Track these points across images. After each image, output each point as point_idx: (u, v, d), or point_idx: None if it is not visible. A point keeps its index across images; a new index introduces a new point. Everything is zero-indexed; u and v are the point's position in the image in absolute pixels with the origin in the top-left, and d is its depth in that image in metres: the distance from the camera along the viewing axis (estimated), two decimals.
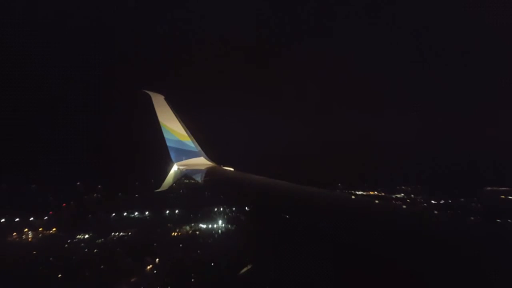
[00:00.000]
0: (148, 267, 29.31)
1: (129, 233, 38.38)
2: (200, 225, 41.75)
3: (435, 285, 2.30)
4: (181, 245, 34.76)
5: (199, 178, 11.50)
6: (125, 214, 44.13)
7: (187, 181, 12.79)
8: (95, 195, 48.77)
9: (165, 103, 12.71)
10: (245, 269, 31.90)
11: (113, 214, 43.35)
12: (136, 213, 44.58)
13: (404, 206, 4.98)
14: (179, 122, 12.84)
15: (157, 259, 30.50)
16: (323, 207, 5.37)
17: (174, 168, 12.91)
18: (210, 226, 41.47)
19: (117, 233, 38.15)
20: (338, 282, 3.07)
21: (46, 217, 40.68)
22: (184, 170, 12.63)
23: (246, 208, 7.13)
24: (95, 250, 33.17)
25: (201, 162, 12.84)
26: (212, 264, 33.30)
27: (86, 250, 33.57)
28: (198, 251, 32.87)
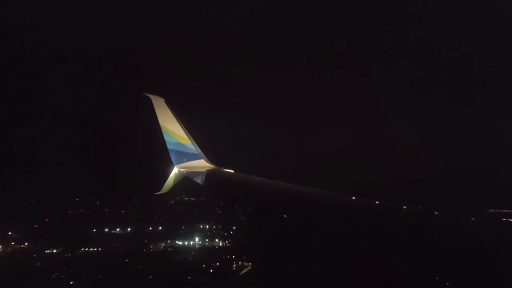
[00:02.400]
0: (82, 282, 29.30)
1: (99, 249, 38.24)
2: (177, 242, 41.88)
3: (436, 285, 2.31)
4: (127, 260, 34.51)
5: (199, 181, 11.52)
6: (106, 230, 44.03)
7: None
8: (80, 210, 48.43)
9: (165, 106, 12.76)
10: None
11: (94, 230, 43.23)
12: (118, 229, 44.45)
13: (404, 207, 4.99)
14: (180, 124, 12.87)
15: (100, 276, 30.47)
16: (324, 208, 5.39)
17: (175, 170, 12.92)
18: (186, 243, 41.62)
19: (86, 249, 38.09)
20: (338, 282, 3.09)
21: (28, 230, 40.55)
22: (185, 172, 12.64)
23: (247, 209, 7.15)
24: (52, 264, 33.12)
25: (202, 164, 12.86)
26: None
27: (40, 264, 33.44)
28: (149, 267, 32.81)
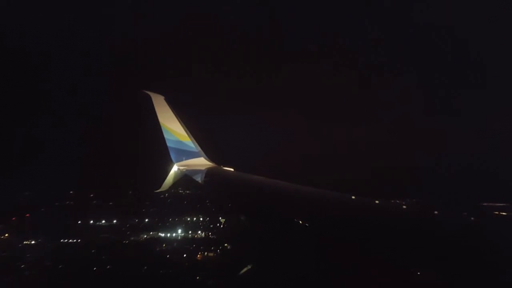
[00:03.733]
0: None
1: (78, 240, 38.78)
2: (160, 234, 42.61)
3: (436, 284, 2.30)
4: (99, 251, 34.60)
5: (199, 179, 11.53)
6: (91, 222, 44.63)
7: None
8: (67, 202, 48.83)
9: (165, 103, 12.74)
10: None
11: (79, 222, 43.72)
12: (104, 221, 45.06)
13: (404, 207, 4.98)
14: (179, 122, 12.86)
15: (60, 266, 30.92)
16: (323, 207, 5.38)
17: (174, 168, 12.92)
18: (169, 235, 42.37)
19: (66, 240, 38.50)
20: (338, 281, 3.08)
21: (10, 222, 41.01)
22: (184, 170, 12.65)
23: (246, 208, 7.14)
24: (28, 255, 33.60)
25: (201, 162, 12.85)
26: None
27: (11, 255, 33.96)
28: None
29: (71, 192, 50.31)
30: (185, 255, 34.95)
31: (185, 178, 12.60)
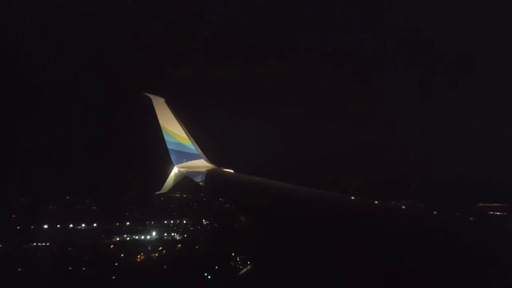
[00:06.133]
0: None
1: (47, 244, 38.33)
2: (134, 236, 42.43)
3: (436, 285, 2.32)
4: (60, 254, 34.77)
5: (199, 180, 11.55)
6: (71, 225, 44.43)
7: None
8: (50, 207, 48.51)
9: (165, 105, 12.78)
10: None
11: (58, 226, 43.55)
12: (83, 225, 44.93)
13: (403, 207, 5.00)
14: (180, 124, 12.89)
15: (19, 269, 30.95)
16: (323, 207, 5.40)
17: (175, 170, 12.95)
18: (143, 237, 42.21)
19: (34, 244, 38.20)
20: (338, 282, 3.10)
21: None
22: (185, 172, 12.67)
23: (247, 209, 7.16)
24: None
25: (202, 164, 12.88)
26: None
27: None
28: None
29: (67, 197, 50.06)
30: (136, 256, 35.75)
31: (185, 180, 12.64)
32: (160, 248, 38.03)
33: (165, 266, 33.66)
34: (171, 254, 36.12)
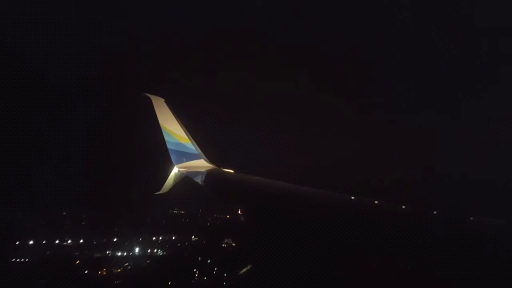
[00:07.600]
0: None
1: (26, 260, 38.49)
2: (117, 252, 42.24)
3: (436, 284, 2.32)
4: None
5: (199, 180, 11.55)
6: (57, 241, 44.29)
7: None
8: (42, 223, 48.16)
9: (165, 105, 12.79)
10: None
11: (44, 241, 43.48)
12: (70, 241, 44.81)
13: (403, 207, 5.00)
14: (180, 124, 12.90)
15: None
16: (323, 207, 5.40)
17: (175, 170, 12.95)
18: (125, 253, 42.07)
19: (14, 259, 38.23)
20: (338, 281, 3.10)
21: None
22: (185, 172, 12.68)
23: (246, 209, 7.16)
24: None
25: (202, 164, 12.89)
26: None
27: None
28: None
29: (64, 213, 49.60)
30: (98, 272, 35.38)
31: (185, 180, 12.63)
32: (126, 264, 38.10)
33: (116, 282, 33.92)
34: (135, 270, 36.24)
